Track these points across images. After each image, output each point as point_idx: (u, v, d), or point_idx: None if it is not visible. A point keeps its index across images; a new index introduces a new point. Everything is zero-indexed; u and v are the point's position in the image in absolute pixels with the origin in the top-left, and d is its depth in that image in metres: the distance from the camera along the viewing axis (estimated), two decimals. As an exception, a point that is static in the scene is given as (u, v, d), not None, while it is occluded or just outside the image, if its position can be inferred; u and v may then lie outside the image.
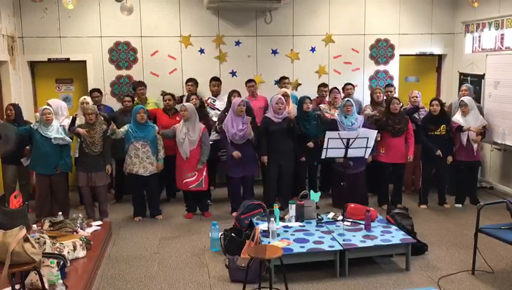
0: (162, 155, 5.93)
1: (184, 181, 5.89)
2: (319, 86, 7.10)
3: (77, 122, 5.72)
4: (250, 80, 6.95)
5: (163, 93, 6.54)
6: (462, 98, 6.30)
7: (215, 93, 6.92)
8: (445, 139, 6.21)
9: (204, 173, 5.91)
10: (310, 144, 6.14)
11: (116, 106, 7.05)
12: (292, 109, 6.27)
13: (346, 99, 6.20)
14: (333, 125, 5.98)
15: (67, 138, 5.62)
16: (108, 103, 7.12)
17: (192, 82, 6.93)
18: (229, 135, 5.85)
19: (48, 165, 5.58)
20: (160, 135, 5.93)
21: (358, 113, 6.51)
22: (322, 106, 6.67)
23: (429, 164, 6.35)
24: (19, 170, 5.98)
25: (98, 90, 6.73)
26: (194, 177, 5.87)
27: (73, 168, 6.36)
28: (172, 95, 6.52)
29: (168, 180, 6.47)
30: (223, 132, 5.92)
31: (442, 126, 6.18)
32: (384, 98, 6.77)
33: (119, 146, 5.93)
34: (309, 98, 6.36)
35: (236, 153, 5.82)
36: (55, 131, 5.54)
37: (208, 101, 6.86)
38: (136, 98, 6.79)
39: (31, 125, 5.64)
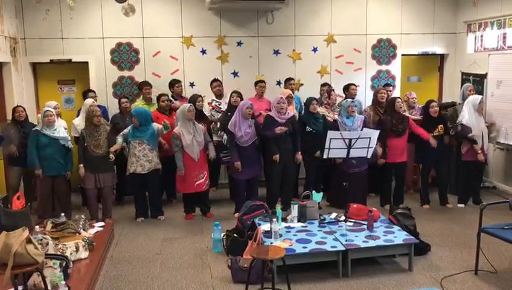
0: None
1: (196, 183, 5.89)
2: (321, 86, 7.12)
3: (78, 124, 5.73)
4: (261, 81, 6.94)
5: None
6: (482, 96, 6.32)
7: (219, 94, 6.89)
8: (443, 140, 6.22)
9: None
10: (318, 154, 6.04)
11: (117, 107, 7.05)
12: (294, 111, 6.28)
13: (350, 100, 6.20)
14: (335, 126, 5.98)
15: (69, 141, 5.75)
16: (109, 104, 7.14)
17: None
18: (237, 137, 5.83)
19: (51, 166, 5.61)
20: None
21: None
22: (320, 109, 6.63)
23: (427, 164, 6.33)
24: (23, 172, 5.98)
25: (93, 91, 6.74)
26: (204, 177, 5.92)
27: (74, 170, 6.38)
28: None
29: (168, 181, 6.45)
30: (232, 133, 5.86)
31: (439, 126, 6.20)
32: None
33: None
34: (315, 99, 6.36)
35: (237, 164, 5.84)
36: (63, 132, 5.67)
37: (213, 104, 6.80)
38: (138, 99, 6.79)
39: (36, 127, 5.66)
